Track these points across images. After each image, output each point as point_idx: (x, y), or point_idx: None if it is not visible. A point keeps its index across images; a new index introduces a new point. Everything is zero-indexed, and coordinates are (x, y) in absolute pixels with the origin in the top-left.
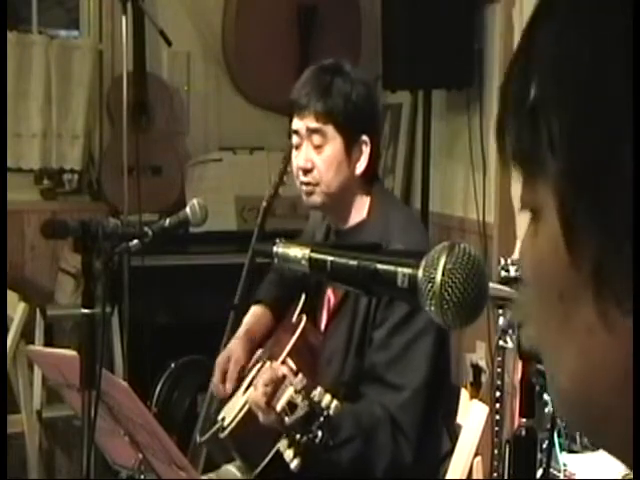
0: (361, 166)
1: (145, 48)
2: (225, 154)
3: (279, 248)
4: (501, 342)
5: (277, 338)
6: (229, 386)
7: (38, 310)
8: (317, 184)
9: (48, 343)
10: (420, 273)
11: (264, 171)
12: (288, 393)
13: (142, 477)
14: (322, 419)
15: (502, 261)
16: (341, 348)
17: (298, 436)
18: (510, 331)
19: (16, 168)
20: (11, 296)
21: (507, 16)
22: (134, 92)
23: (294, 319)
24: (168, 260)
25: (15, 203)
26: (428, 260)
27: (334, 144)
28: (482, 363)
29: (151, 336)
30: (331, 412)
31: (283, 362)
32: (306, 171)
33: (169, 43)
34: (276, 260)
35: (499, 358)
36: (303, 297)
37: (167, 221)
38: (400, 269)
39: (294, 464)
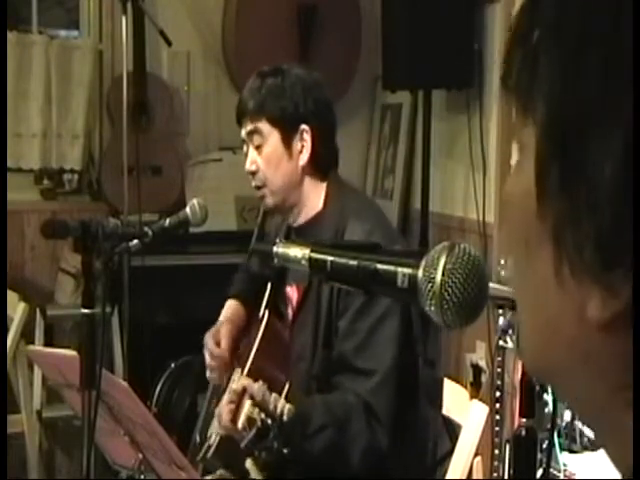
0: (304, 157)
1: (145, 48)
2: (225, 154)
3: (279, 248)
4: (501, 342)
5: (248, 339)
6: (224, 344)
7: (38, 310)
8: (264, 185)
9: (48, 343)
10: (420, 273)
11: None
12: (246, 408)
13: (142, 477)
14: (276, 430)
15: (502, 261)
16: (309, 343)
17: (257, 453)
18: (510, 331)
19: (16, 168)
20: (11, 296)
21: (507, 16)
22: (134, 92)
23: (260, 315)
24: (168, 260)
25: (15, 203)
26: (428, 260)
27: (272, 140)
28: (482, 363)
29: (151, 336)
30: (285, 417)
31: (253, 363)
32: (253, 174)
33: (169, 43)
34: (276, 260)
35: (499, 358)
36: (267, 294)
37: (167, 221)
38: (400, 269)
39: None
